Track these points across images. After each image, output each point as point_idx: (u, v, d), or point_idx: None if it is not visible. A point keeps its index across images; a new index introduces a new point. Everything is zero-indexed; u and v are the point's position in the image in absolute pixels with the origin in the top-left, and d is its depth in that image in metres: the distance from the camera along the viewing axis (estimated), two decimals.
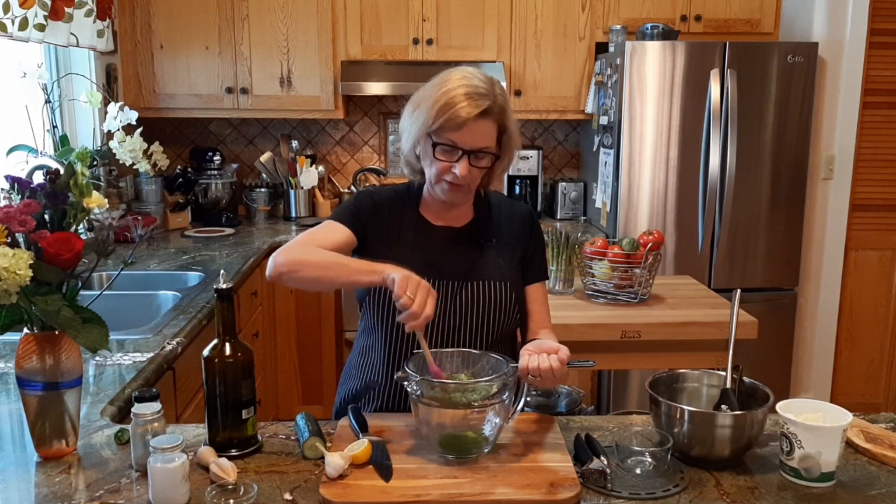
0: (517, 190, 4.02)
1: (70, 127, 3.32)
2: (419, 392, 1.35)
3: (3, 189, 1.36)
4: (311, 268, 1.52)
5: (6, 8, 2.46)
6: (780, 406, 1.33)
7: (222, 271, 1.52)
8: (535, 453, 1.38)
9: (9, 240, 1.26)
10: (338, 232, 1.62)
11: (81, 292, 1.37)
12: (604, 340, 2.31)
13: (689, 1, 3.72)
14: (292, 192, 3.94)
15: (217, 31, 3.64)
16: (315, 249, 1.55)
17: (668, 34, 3.51)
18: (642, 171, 3.47)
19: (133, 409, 1.31)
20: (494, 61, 3.73)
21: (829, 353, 3.88)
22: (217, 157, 3.86)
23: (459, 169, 1.54)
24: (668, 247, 3.48)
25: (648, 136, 3.43)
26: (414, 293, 1.39)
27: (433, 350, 1.50)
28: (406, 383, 1.37)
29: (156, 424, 1.31)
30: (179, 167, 3.82)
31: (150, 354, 1.91)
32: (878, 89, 3.69)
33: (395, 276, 1.41)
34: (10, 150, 2.78)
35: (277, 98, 3.73)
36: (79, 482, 1.30)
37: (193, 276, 2.79)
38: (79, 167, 1.40)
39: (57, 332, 1.33)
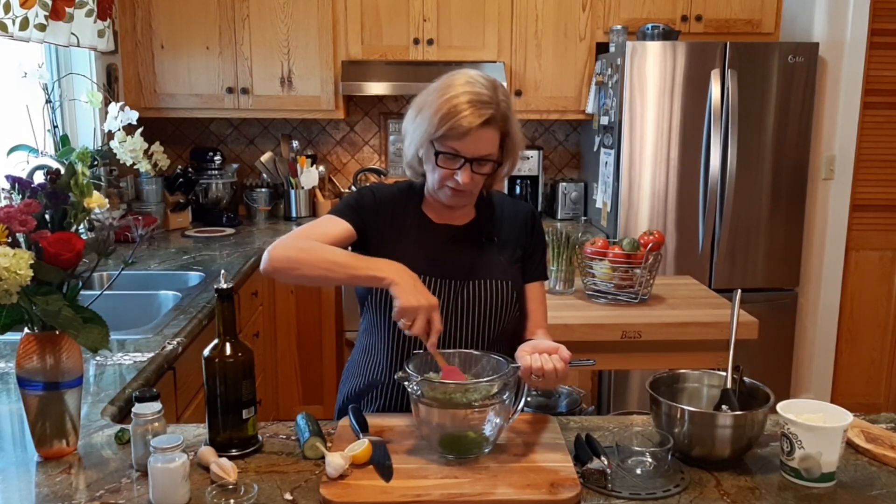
0: (518, 190, 4.02)
1: (71, 127, 3.32)
2: (419, 392, 1.35)
3: (3, 189, 1.36)
4: (308, 266, 1.52)
5: (7, 8, 2.46)
6: (780, 406, 1.33)
7: (223, 271, 1.52)
8: (535, 453, 1.38)
9: (9, 240, 1.26)
10: (336, 226, 1.61)
11: (82, 292, 1.37)
12: (604, 341, 2.31)
13: (690, 1, 3.72)
14: (293, 192, 3.94)
15: (217, 31, 3.64)
16: (312, 245, 1.54)
17: (668, 34, 3.51)
18: (643, 172, 3.46)
19: (133, 409, 1.31)
20: (495, 61, 3.73)
21: (830, 353, 3.87)
22: (217, 157, 3.86)
23: (462, 177, 1.54)
24: (668, 247, 3.48)
25: (649, 136, 3.43)
26: (413, 318, 1.40)
27: (435, 351, 1.50)
28: (406, 383, 1.37)
29: (156, 424, 1.31)
30: (180, 167, 3.82)
31: (151, 354, 1.91)
32: (878, 89, 3.69)
33: (396, 293, 1.42)
34: (11, 150, 2.78)
35: (278, 98, 3.73)
36: (79, 482, 1.30)
37: (194, 276, 2.79)
38: (79, 167, 1.40)
39: (57, 332, 1.33)
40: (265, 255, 1.54)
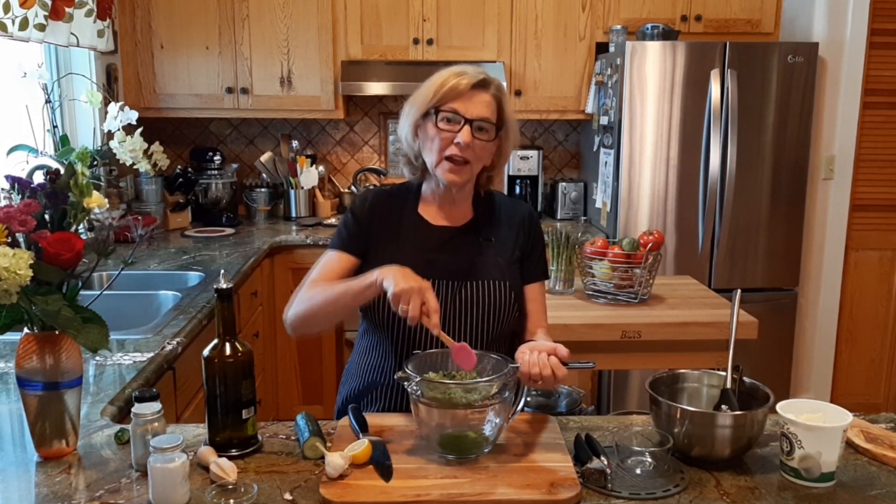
0: (517, 190, 4.02)
1: (70, 127, 3.32)
2: (419, 392, 1.35)
3: (3, 189, 1.36)
4: (319, 312, 1.58)
5: (6, 8, 2.46)
6: (780, 406, 1.33)
7: (222, 271, 1.52)
8: (535, 453, 1.38)
9: (9, 240, 1.26)
10: (338, 263, 1.65)
11: (82, 292, 1.37)
12: (604, 341, 2.31)
13: (690, 1, 3.72)
14: (292, 191, 3.94)
15: (217, 31, 3.64)
16: (315, 292, 1.59)
17: (668, 34, 3.51)
18: (642, 171, 3.46)
19: (133, 409, 1.31)
20: (494, 61, 3.73)
21: (830, 353, 3.87)
22: (217, 157, 3.86)
23: (462, 136, 1.55)
24: (668, 247, 3.48)
25: (649, 136, 3.43)
26: (408, 302, 1.41)
27: (435, 350, 1.50)
28: (406, 383, 1.37)
29: (156, 424, 1.31)
30: (180, 167, 3.82)
31: (151, 354, 1.91)
32: (878, 89, 3.69)
33: (387, 285, 1.43)
34: (11, 150, 2.78)
35: (278, 98, 3.73)
36: (79, 482, 1.30)
37: (193, 276, 2.79)
38: (79, 167, 1.40)
39: (57, 332, 1.33)
40: (285, 320, 1.63)
